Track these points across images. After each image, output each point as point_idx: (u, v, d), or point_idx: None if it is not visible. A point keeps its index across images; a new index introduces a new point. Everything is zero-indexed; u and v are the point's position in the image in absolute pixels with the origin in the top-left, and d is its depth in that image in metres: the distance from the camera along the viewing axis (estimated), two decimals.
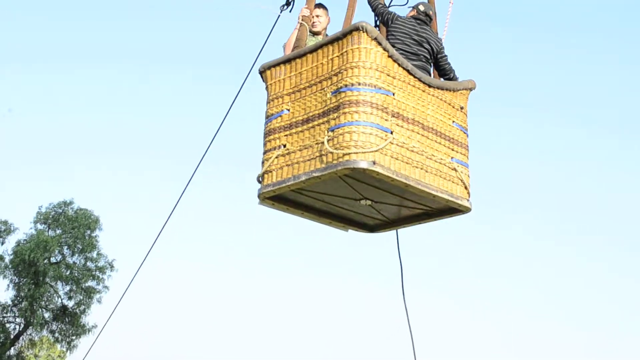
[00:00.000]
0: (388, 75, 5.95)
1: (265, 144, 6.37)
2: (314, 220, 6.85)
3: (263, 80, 6.53)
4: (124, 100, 49.97)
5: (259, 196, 6.37)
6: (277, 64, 6.42)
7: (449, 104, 6.43)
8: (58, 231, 32.04)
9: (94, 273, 32.35)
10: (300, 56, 6.25)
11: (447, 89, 6.42)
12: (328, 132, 5.85)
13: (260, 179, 6.33)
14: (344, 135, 5.76)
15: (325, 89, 6.00)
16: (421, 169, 6.07)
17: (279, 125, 6.29)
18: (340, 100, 5.84)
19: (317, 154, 5.91)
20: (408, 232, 7.43)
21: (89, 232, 32.16)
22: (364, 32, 5.86)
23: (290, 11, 7.19)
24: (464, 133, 6.51)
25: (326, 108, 5.95)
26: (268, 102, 6.44)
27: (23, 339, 32.49)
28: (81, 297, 32.24)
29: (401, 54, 6.21)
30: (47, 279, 31.73)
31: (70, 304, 32.29)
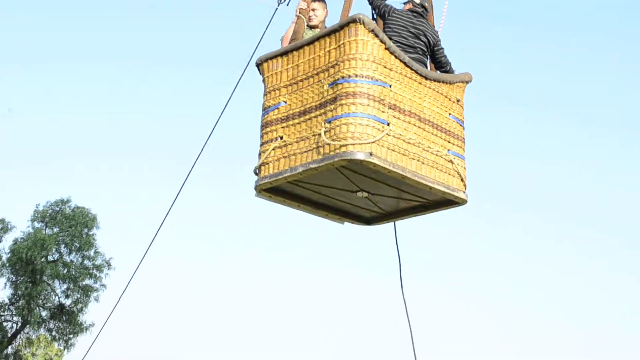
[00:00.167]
0: (385, 67, 5.98)
1: (262, 136, 6.39)
2: (310, 212, 6.88)
3: (260, 73, 6.55)
4: (122, 99, 50.01)
5: (255, 188, 6.39)
6: (274, 56, 6.44)
7: (446, 97, 6.45)
8: (55, 229, 32.03)
9: (91, 271, 32.33)
10: (298, 48, 6.28)
11: (443, 82, 6.44)
12: (325, 123, 5.87)
13: (257, 171, 6.35)
14: (340, 127, 5.78)
15: (322, 81, 6.03)
16: (418, 160, 6.09)
17: (276, 117, 6.31)
18: (337, 92, 5.86)
19: (314, 146, 5.94)
20: (405, 227, 7.47)
21: (86, 230, 32.15)
22: (361, 24, 5.88)
23: (287, 4, 7.22)
24: (461, 125, 6.54)
25: (323, 100, 5.98)
26: (265, 95, 6.46)
27: (20, 337, 32.47)
28: (78, 296, 32.22)
29: (398, 46, 6.23)
30: (45, 278, 31.71)
31: (67, 302, 32.29)
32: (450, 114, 6.46)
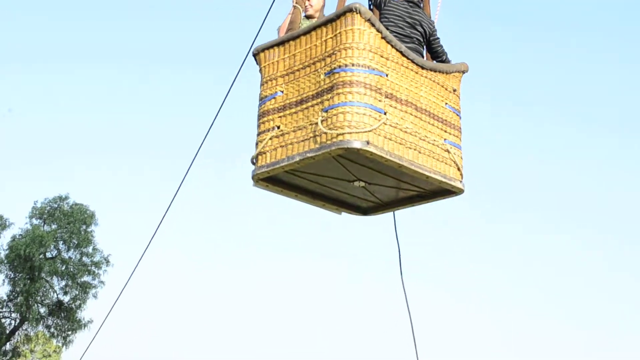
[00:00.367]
0: (381, 57, 5.99)
1: (259, 126, 6.40)
2: (307, 202, 6.89)
3: (257, 63, 6.56)
4: (121, 99, 50.04)
5: (253, 177, 6.40)
6: (270, 46, 6.45)
7: (442, 86, 6.47)
8: (54, 226, 32.05)
9: (89, 268, 32.37)
10: (294, 38, 6.29)
11: (440, 71, 6.45)
12: (322, 112, 5.88)
13: (254, 161, 6.37)
14: (337, 116, 5.79)
15: (318, 70, 6.04)
16: (414, 149, 6.11)
17: (273, 107, 6.33)
18: (334, 81, 5.87)
19: (311, 135, 5.95)
20: (401, 222, 7.48)
21: (84, 227, 32.17)
22: (357, 13, 5.90)
23: None
24: (457, 115, 6.55)
25: (320, 89, 5.99)
26: (262, 84, 6.47)
27: (19, 334, 32.52)
28: (77, 292, 32.27)
29: (394, 36, 6.24)
30: (43, 274, 31.73)
31: (65, 299, 32.33)
32: (446, 103, 6.47)
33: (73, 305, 32.17)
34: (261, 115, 6.40)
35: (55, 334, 32.57)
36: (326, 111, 5.86)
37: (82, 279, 32.19)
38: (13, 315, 32.12)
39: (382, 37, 6.01)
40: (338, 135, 5.74)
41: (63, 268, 32.09)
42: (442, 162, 6.33)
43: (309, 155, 5.93)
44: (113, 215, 44.24)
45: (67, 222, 31.89)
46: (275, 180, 6.51)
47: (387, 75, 5.98)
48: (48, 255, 31.93)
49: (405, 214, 7.12)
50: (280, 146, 6.19)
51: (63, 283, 32.29)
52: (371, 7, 6.78)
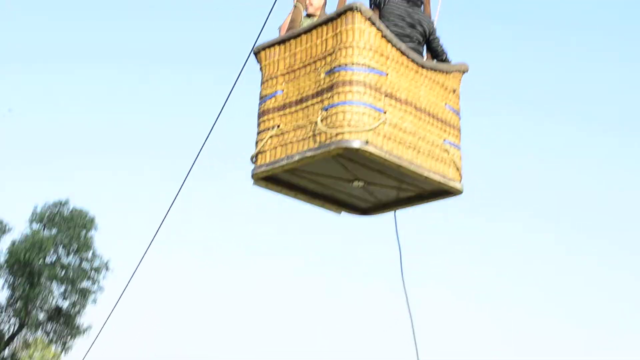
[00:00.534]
0: (381, 56, 6.00)
1: (259, 125, 6.41)
2: (307, 202, 6.88)
3: (258, 61, 6.57)
4: (121, 100, 50.10)
5: (252, 176, 6.41)
6: (271, 44, 6.47)
7: (442, 86, 6.47)
8: (54, 231, 32.02)
9: (89, 273, 32.32)
10: (295, 37, 6.30)
11: (440, 71, 6.46)
12: (322, 111, 5.89)
13: (254, 159, 6.37)
14: (337, 115, 5.81)
15: (319, 69, 6.05)
16: (414, 149, 6.11)
17: (273, 105, 6.33)
18: (334, 80, 5.89)
19: (311, 134, 5.96)
20: (402, 221, 7.47)
21: (84, 232, 32.15)
22: (357, 12, 5.91)
23: None
24: (457, 115, 6.56)
25: (320, 88, 6.00)
26: (262, 83, 6.48)
27: (17, 339, 32.41)
28: (76, 298, 32.20)
29: (394, 36, 6.25)
30: (42, 279, 31.68)
31: (65, 304, 32.25)
32: (446, 103, 6.48)
33: (72, 311, 32.11)
34: (261, 114, 6.41)
35: (54, 339, 32.48)
36: (326, 110, 5.87)
37: (82, 285, 32.13)
38: (12, 320, 32.05)
39: (383, 36, 6.02)
40: (337, 134, 5.76)
41: (62, 273, 32.04)
42: (441, 162, 6.34)
43: (308, 154, 5.94)
44: (113, 218, 44.29)
45: (67, 227, 31.86)
46: (275, 179, 6.51)
47: (387, 75, 5.99)
48: (48, 260, 31.88)
49: (406, 213, 7.12)
50: (280, 145, 6.20)
51: (62, 288, 32.23)
52: (371, 6, 6.79)
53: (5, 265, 31.42)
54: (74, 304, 32.17)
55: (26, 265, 30.97)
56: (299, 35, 6.27)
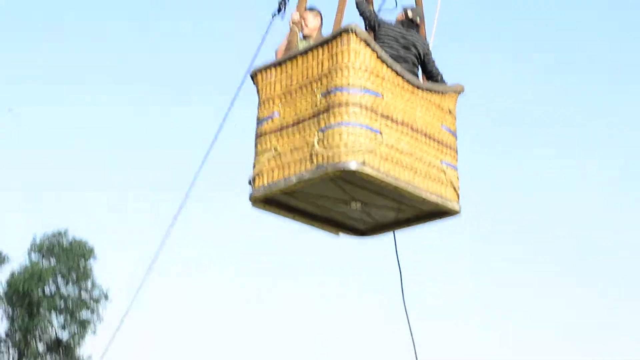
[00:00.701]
0: (377, 77, 6.04)
1: (256, 147, 6.43)
2: (305, 223, 6.88)
3: (254, 84, 6.60)
4: (119, 127, 50.22)
5: (250, 199, 6.41)
6: (268, 67, 6.50)
7: (438, 107, 6.50)
8: (53, 261, 31.97)
9: (88, 303, 32.22)
10: (291, 59, 6.34)
11: (435, 92, 6.49)
12: (318, 132, 5.91)
13: (252, 182, 6.38)
14: (333, 136, 5.83)
15: (315, 91, 6.08)
16: (411, 170, 6.13)
17: (270, 127, 6.36)
18: (330, 102, 5.92)
19: (308, 155, 5.98)
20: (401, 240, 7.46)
21: (83, 262, 32.09)
22: (353, 33, 5.96)
23: (282, 18, 7.29)
24: (453, 136, 6.58)
25: (316, 110, 6.03)
26: (259, 106, 6.51)
27: None
28: (75, 328, 32.08)
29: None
30: (41, 310, 31.58)
31: (64, 335, 32.11)
32: (442, 124, 6.50)
33: (72, 342, 31.95)
34: (258, 136, 6.43)
35: None
36: (322, 131, 5.89)
37: (81, 315, 32.01)
38: (11, 351, 31.89)
39: (378, 57, 6.06)
40: (334, 155, 5.77)
41: (62, 304, 31.95)
42: (438, 182, 6.34)
43: (305, 176, 5.96)
44: (113, 247, 44.07)
45: (66, 257, 31.81)
46: (273, 201, 6.51)
47: (382, 96, 6.03)
48: (47, 290, 31.80)
49: (405, 234, 7.12)
50: (278, 167, 6.21)
51: (62, 319, 32.12)
52: (367, 29, 6.84)
53: (4, 296, 31.32)
54: (73, 335, 32.02)
55: (25, 296, 30.89)
56: (295, 57, 6.31)
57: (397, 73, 6.17)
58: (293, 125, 6.19)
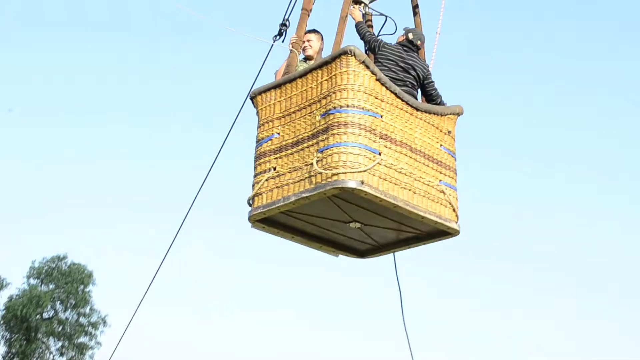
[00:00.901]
0: (376, 98, 6.09)
1: (255, 168, 6.47)
2: (304, 244, 6.91)
3: (254, 106, 6.66)
4: (118, 152, 50.29)
5: (249, 219, 6.44)
6: (267, 89, 6.56)
7: (437, 128, 6.55)
8: (51, 286, 31.89)
9: (86, 329, 32.11)
10: (290, 81, 6.40)
11: (434, 113, 6.54)
12: (317, 153, 5.95)
13: (251, 202, 6.41)
14: (332, 156, 5.86)
15: (314, 112, 6.13)
16: (409, 190, 6.15)
17: (269, 148, 6.40)
18: (329, 122, 5.96)
19: (307, 175, 6.01)
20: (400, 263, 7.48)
21: (82, 287, 32.01)
22: (352, 55, 6.01)
23: (282, 41, 7.36)
24: (452, 157, 6.61)
25: (315, 130, 6.07)
26: (259, 127, 6.56)
27: None
28: (73, 354, 31.93)
29: None
30: (39, 335, 31.45)
31: None
32: (441, 145, 6.54)
33: None
34: (258, 157, 6.48)
35: None
36: (321, 152, 5.93)
37: (79, 340, 31.88)
38: None
39: (377, 79, 6.11)
40: (333, 175, 5.80)
41: (60, 329, 31.83)
42: (437, 203, 6.37)
43: (304, 195, 5.98)
44: (112, 272, 43.98)
45: (65, 282, 31.74)
46: (272, 221, 6.54)
47: (381, 116, 6.07)
48: (45, 315, 31.70)
49: (405, 254, 7.14)
50: (276, 187, 6.25)
51: (59, 344, 31.99)
52: (366, 51, 6.91)
53: (2, 321, 31.20)
54: None
55: (23, 321, 30.78)
56: (294, 79, 6.37)
57: (396, 94, 6.22)
58: (292, 146, 6.23)
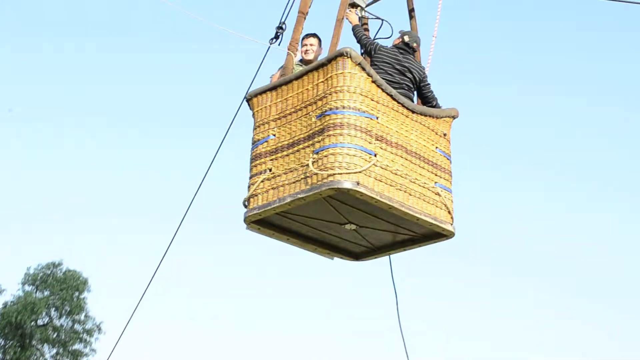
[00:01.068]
0: (372, 100, 6.11)
1: (251, 169, 6.48)
2: (299, 246, 6.91)
3: (250, 108, 6.68)
4: (114, 157, 50.18)
5: (244, 220, 6.45)
6: (263, 91, 6.59)
7: (432, 130, 6.57)
8: (46, 293, 31.79)
9: (81, 336, 31.99)
10: (286, 83, 6.42)
11: (430, 116, 6.57)
12: (313, 154, 5.97)
13: (246, 203, 6.42)
14: (328, 157, 5.88)
15: (310, 114, 6.15)
16: (405, 191, 6.17)
17: (265, 150, 6.42)
18: (325, 123, 5.98)
19: (302, 176, 6.02)
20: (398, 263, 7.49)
21: (77, 293, 31.92)
22: (348, 57, 6.04)
23: (279, 44, 7.39)
24: (447, 159, 6.64)
25: (311, 132, 6.09)
26: (255, 129, 6.58)
27: None
28: None
29: None
30: (34, 342, 31.34)
31: None
32: (437, 147, 6.57)
33: None
34: (254, 158, 6.50)
35: None
36: (317, 153, 5.95)
37: (74, 347, 31.76)
38: None
39: (373, 81, 6.14)
40: (328, 175, 5.81)
41: (54, 336, 31.72)
42: (432, 204, 6.39)
43: (299, 196, 5.99)
44: (107, 279, 43.75)
45: (60, 288, 31.65)
46: (268, 223, 6.55)
47: (377, 118, 6.09)
48: (40, 322, 31.59)
49: (401, 256, 7.15)
50: (272, 188, 6.26)
51: (54, 351, 31.86)
52: (362, 53, 6.93)
53: None
54: None
55: (18, 328, 30.68)
56: (290, 81, 6.39)
57: (391, 97, 6.24)
58: (288, 147, 6.25)
